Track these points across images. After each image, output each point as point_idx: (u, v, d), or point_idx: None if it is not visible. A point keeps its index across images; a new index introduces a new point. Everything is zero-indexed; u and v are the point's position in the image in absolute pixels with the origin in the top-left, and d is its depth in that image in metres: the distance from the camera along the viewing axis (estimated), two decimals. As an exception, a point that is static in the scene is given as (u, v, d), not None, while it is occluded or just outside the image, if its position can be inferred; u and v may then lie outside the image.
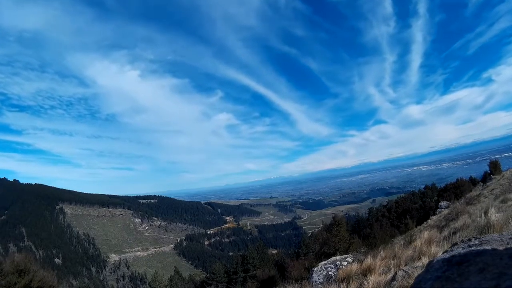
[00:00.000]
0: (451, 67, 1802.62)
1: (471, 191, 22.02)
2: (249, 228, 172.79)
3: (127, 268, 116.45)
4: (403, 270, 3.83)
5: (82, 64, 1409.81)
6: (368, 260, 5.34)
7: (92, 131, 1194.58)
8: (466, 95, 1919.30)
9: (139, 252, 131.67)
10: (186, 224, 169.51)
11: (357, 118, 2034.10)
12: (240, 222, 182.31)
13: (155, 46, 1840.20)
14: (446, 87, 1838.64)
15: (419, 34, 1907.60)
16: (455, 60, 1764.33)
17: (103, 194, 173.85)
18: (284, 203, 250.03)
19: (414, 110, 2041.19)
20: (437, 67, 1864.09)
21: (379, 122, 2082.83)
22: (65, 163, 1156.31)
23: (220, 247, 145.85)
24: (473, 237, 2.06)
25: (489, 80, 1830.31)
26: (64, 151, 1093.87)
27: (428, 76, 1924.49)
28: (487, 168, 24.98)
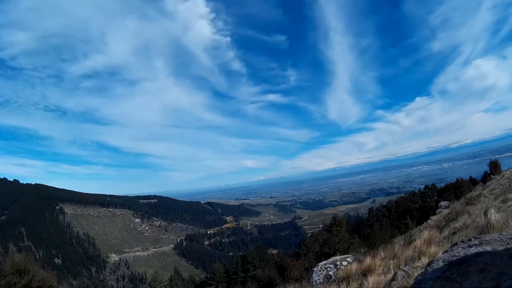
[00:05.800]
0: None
1: (471, 191, 22.02)
2: (249, 228, 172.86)
3: (127, 268, 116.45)
4: (403, 270, 3.83)
5: None
6: (368, 260, 5.33)
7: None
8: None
9: (139, 252, 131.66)
10: (186, 224, 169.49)
11: (412, 83, 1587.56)
12: (240, 222, 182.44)
13: None
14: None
15: None
16: None
17: (103, 194, 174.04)
18: (284, 203, 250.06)
19: (486, 66, 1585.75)
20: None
21: (426, 94, 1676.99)
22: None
23: (220, 247, 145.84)
24: (473, 237, 2.06)
25: None
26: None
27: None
28: (487, 168, 25.00)
